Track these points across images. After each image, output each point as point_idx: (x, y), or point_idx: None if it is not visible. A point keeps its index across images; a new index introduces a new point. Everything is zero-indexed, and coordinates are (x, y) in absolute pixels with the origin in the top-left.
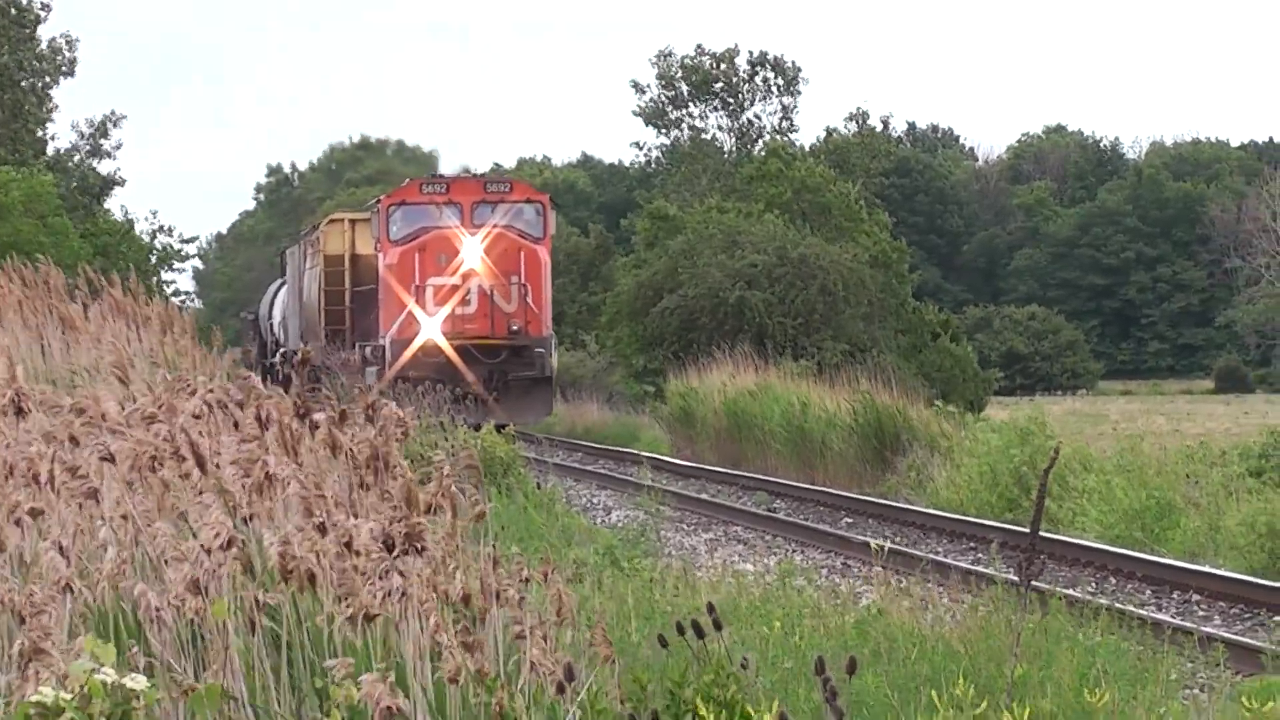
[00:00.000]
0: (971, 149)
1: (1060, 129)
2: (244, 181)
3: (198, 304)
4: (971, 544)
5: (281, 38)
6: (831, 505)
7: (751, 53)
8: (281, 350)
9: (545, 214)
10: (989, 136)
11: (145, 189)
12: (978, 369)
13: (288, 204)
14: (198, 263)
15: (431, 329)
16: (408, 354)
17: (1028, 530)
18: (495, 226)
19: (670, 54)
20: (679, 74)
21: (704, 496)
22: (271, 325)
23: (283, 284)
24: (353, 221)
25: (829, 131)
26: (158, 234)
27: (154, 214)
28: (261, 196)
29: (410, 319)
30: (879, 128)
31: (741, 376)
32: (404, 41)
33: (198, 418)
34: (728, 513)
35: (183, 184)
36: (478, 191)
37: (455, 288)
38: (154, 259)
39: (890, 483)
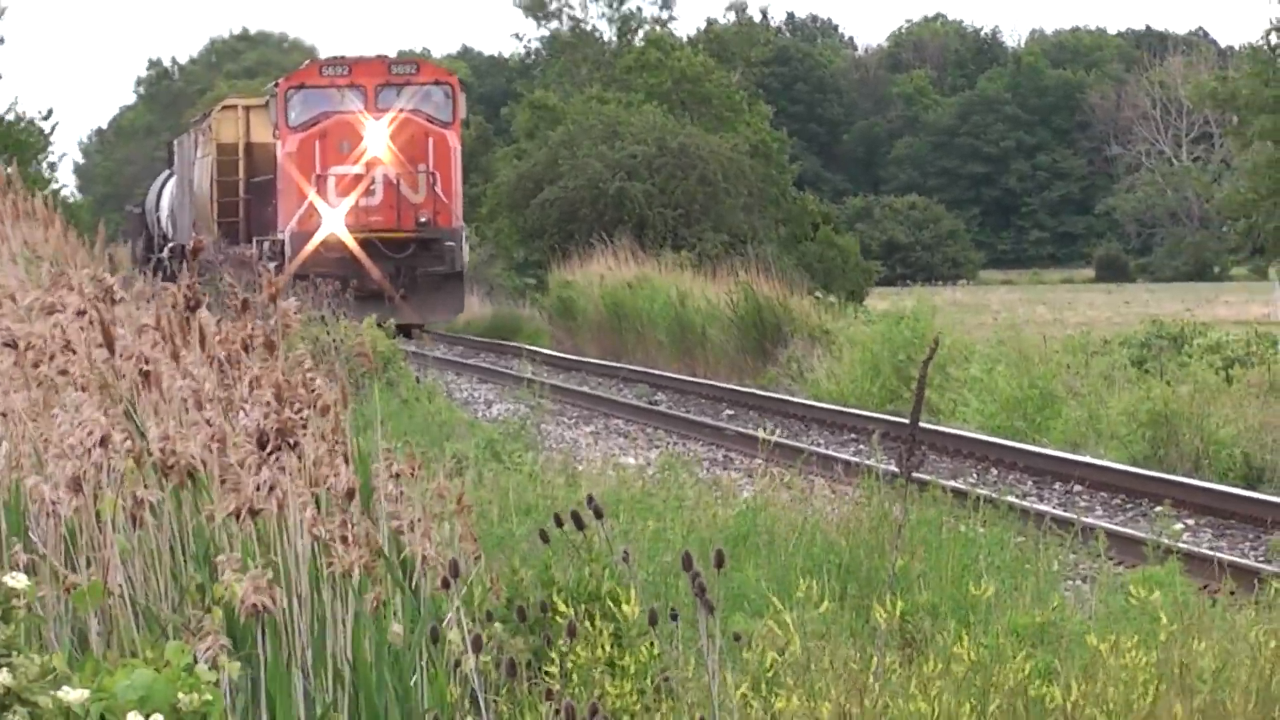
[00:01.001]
0: (851, 38)
1: (940, 18)
2: (124, 75)
3: (76, 196)
4: (853, 435)
5: None
6: (712, 397)
7: None
8: (170, 244)
9: (455, 96)
10: (868, 26)
11: (21, 83)
12: (860, 259)
13: (168, 97)
14: (78, 156)
15: (334, 221)
16: (308, 248)
17: (908, 421)
18: (401, 111)
19: None
20: None
21: (585, 389)
22: (159, 219)
23: (171, 175)
24: (247, 108)
25: (709, 22)
26: (19, 122)
27: (15, 101)
28: (142, 90)
29: (311, 211)
30: (758, 18)
31: (621, 268)
32: None
33: (81, 313)
34: (609, 405)
35: (61, 77)
36: (382, 73)
37: (359, 177)
38: (40, 159)
39: (771, 374)
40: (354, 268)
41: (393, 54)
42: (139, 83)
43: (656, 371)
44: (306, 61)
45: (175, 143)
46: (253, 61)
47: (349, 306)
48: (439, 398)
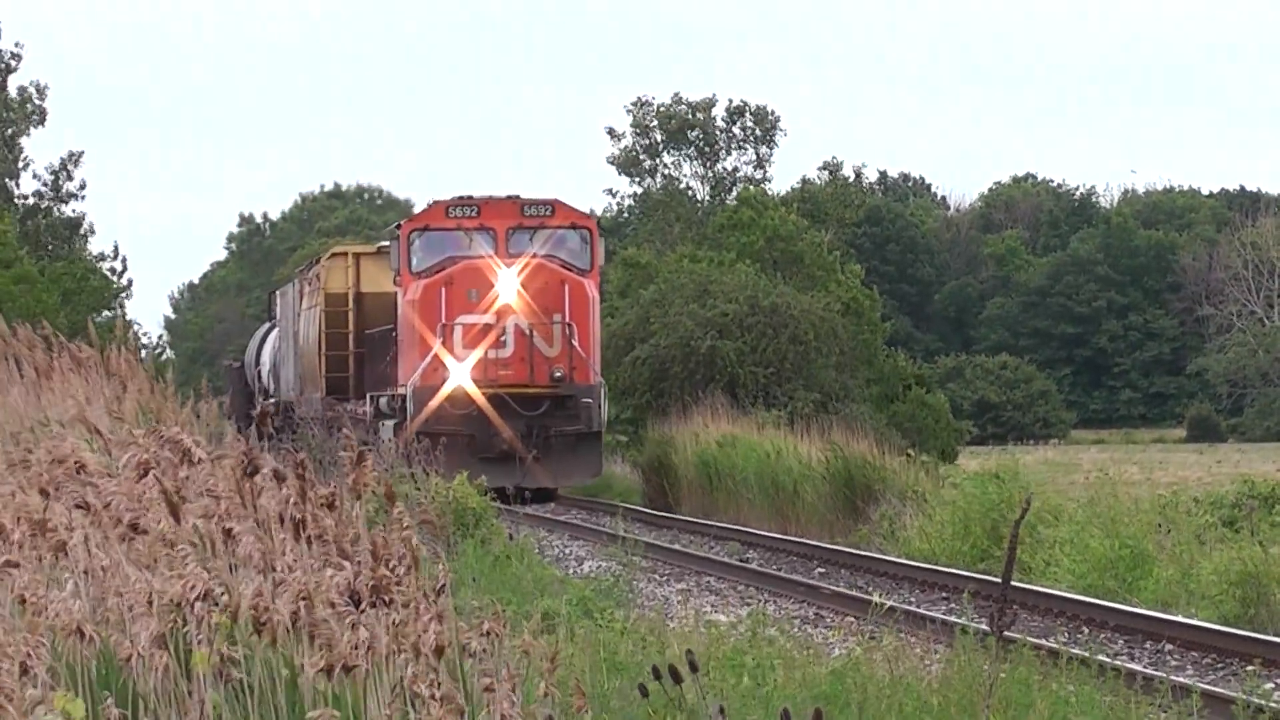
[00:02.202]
0: (943, 197)
1: (1029, 178)
2: (215, 231)
3: (167, 351)
4: (944, 594)
5: (254, 84)
6: (804, 555)
7: (731, 100)
8: (273, 401)
9: (593, 241)
10: (961, 185)
11: (115, 238)
12: (950, 419)
13: (258, 254)
14: (168, 311)
15: (461, 375)
16: (433, 404)
17: (1000, 580)
18: (534, 256)
19: (647, 102)
20: (654, 122)
21: (676, 546)
22: (260, 374)
23: (272, 328)
24: (357, 256)
25: (803, 182)
26: (98, 262)
27: (123, 262)
28: (233, 246)
29: (436, 363)
30: (851, 177)
31: (713, 426)
32: (374, 87)
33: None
34: (700, 563)
35: (154, 233)
36: (514, 215)
37: (488, 327)
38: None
39: (862, 532)
40: (482, 426)
41: None
42: (230, 239)
43: (748, 529)
44: (431, 201)
45: (278, 293)
46: (344, 219)
47: (505, 473)
48: (531, 555)
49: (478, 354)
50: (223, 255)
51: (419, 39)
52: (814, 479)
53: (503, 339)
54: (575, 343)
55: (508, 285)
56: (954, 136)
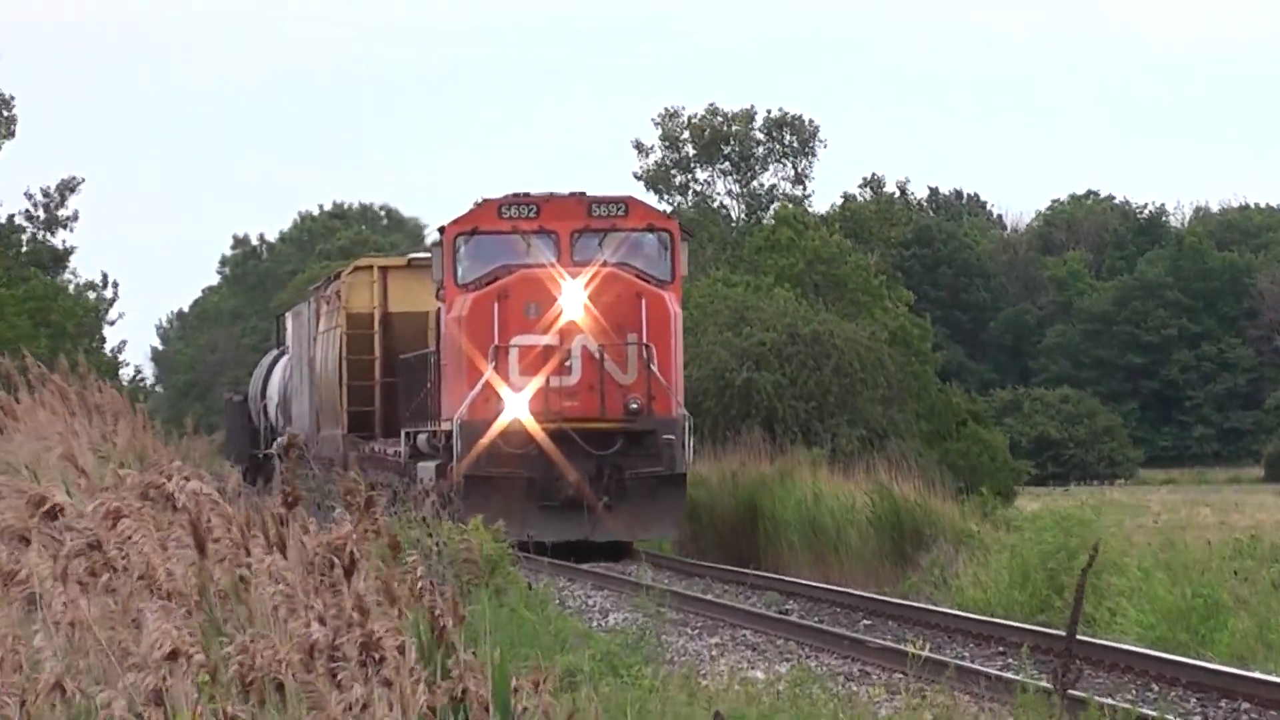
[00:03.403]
0: (999, 216)
1: (1093, 194)
2: (207, 254)
3: (151, 383)
4: (1001, 648)
5: (253, 100)
6: (848, 606)
7: (770, 111)
8: (281, 439)
9: (674, 246)
10: (1018, 202)
11: (100, 262)
12: (1008, 457)
13: (254, 278)
14: (155, 340)
15: (518, 407)
16: (484, 442)
17: (1063, 633)
18: (605, 264)
19: (676, 113)
20: (685, 135)
21: (709, 597)
22: (266, 408)
23: (282, 354)
24: (384, 270)
25: (845, 199)
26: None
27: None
28: (226, 270)
29: (487, 393)
30: (895, 194)
31: (750, 465)
32: (388, 100)
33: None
34: (736, 614)
35: (140, 257)
36: (580, 215)
37: (550, 350)
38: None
39: (912, 581)
40: (543, 467)
41: None
42: (223, 262)
43: (787, 577)
44: (480, 198)
45: (289, 315)
46: (347, 240)
47: (569, 523)
48: (550, 605)
49: (538, 382)
50: (215, 279)
51: (427, 52)
52: (859, 523)
53: (568, 364)
54: (654, 368)
55: (573, 299)
56: (1010, 150)
